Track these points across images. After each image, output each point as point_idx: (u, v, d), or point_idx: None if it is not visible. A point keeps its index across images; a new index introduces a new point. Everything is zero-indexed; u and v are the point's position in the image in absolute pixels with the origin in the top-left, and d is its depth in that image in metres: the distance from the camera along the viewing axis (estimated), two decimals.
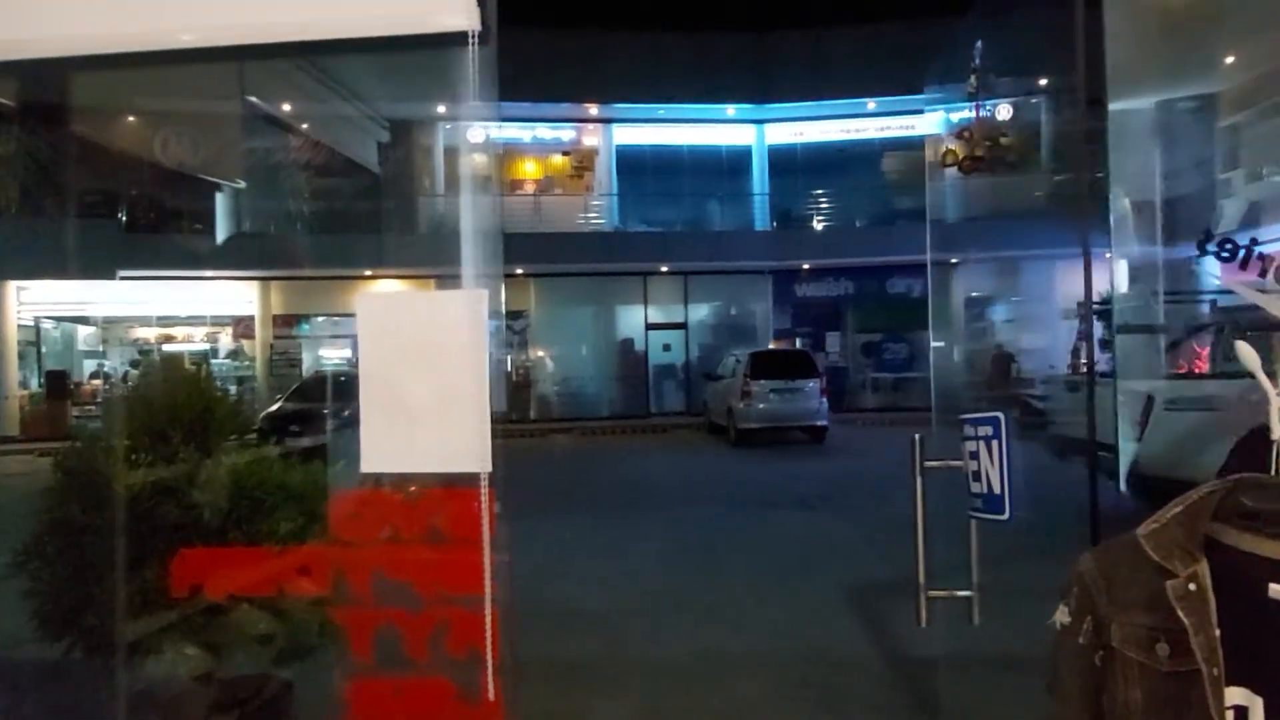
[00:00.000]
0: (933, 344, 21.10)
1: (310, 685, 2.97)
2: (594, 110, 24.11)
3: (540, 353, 22.94)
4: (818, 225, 24.90)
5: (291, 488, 2.51)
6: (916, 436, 2.72)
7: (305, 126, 19.47)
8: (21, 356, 20.22)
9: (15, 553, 2.90)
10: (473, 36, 1.51)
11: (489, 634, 1.57)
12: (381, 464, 1.63)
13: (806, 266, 23.08)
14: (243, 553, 2.02)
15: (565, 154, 24.87)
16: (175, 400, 3.06)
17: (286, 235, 19.65)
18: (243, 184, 19.15)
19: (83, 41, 1.59)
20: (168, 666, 2.31)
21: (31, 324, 20.54)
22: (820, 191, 25.00)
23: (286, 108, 18.47)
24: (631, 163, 24.62)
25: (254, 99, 15.97)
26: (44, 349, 20.81)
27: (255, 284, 21.30)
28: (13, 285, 19.69)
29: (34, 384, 19.94)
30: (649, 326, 23.50)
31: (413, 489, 1.72)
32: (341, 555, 1.75)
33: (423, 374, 1.61)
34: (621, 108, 24.02)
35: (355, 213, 21.07)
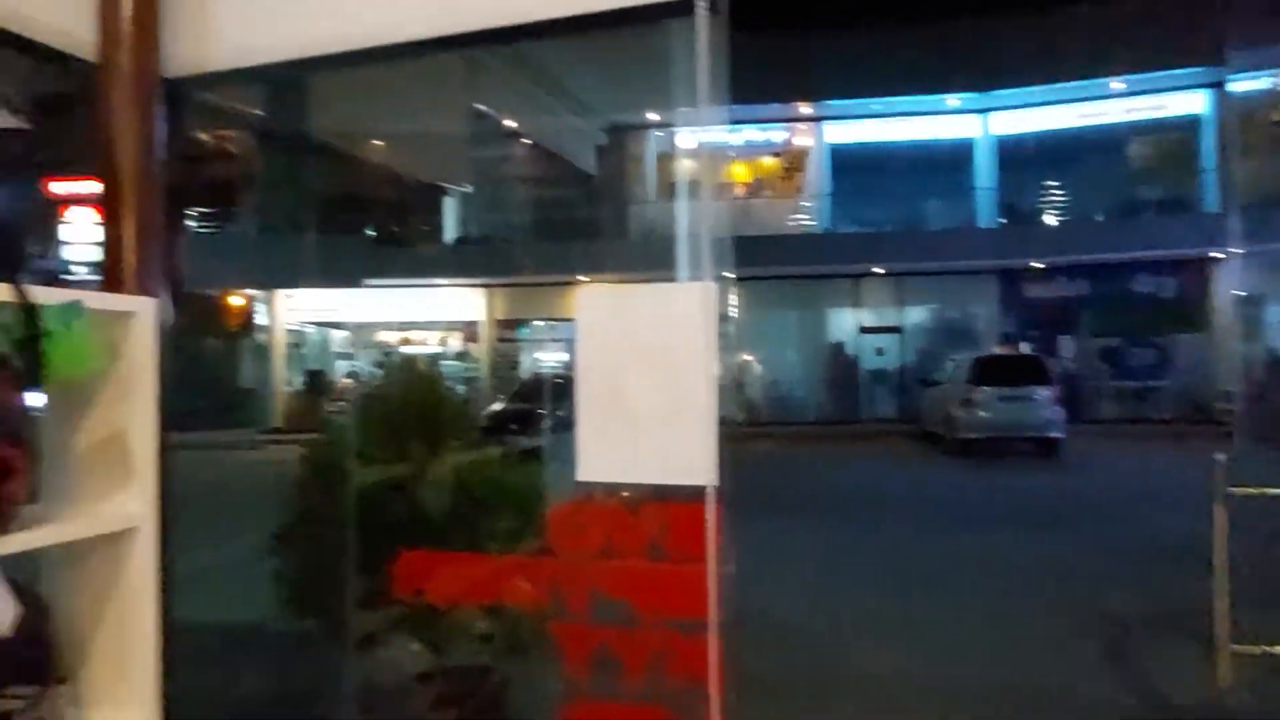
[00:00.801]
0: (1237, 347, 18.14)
1: (525, 680, 2.97)
2: (806, 109, 23.59)
3: (747, 356, 22.74)
4: (1050, 220, 22.89)
5: (509, 488, 2.52)
6: (1220, 457, 2.27)
7: (526, 133, 20.43)
8: (287, 357, 22.86)
9: (267, 537, 3.15)
10: (703, 3, 1.38)
11: (714, 664, 1.43)
12: (599, 473, 1.53)
13: (1036, 265, 21.26)
14: (462, 557, 2.02)
15: (775, 155, 24.53)
16: (409, 399, 3.21)
17: (510, 242, 20.78)
18: (470, 189, 20.39)
19: (320, 41, 1.62)
20: (393, 658, 2.38)
21: (296, 328, 23.19)
22: (1053, 183, 22.97)
23: (508, 119, 19.48)
24: (844, 161, 23.85)
25: (482, 106, 16.90)
26: (305, 350, 23.41)
27: (481, 290, 22.74)
28: (281, 294, 22.29)
29: (296, 382, 22.47)
30: (862, 330, 22.66)
31: (624, 495, 1.61)
32: (558, 566, 1.67)
33: (646, 376, 1.50)
34: (835, 105, 23.32)
35: (573, 219, 21.90)
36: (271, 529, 3.16)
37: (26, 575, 1.48)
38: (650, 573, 1.54)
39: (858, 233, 22.94)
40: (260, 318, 22.62)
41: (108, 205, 1.61)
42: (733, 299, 22.01)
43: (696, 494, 1.48)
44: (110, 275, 1.61)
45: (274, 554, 3.11)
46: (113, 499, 1.53)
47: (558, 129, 21.23)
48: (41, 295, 1.30)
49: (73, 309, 1.33)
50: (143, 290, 1.60)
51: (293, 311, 22.96)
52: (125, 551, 1.52)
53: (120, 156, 1.61)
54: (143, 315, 1.52)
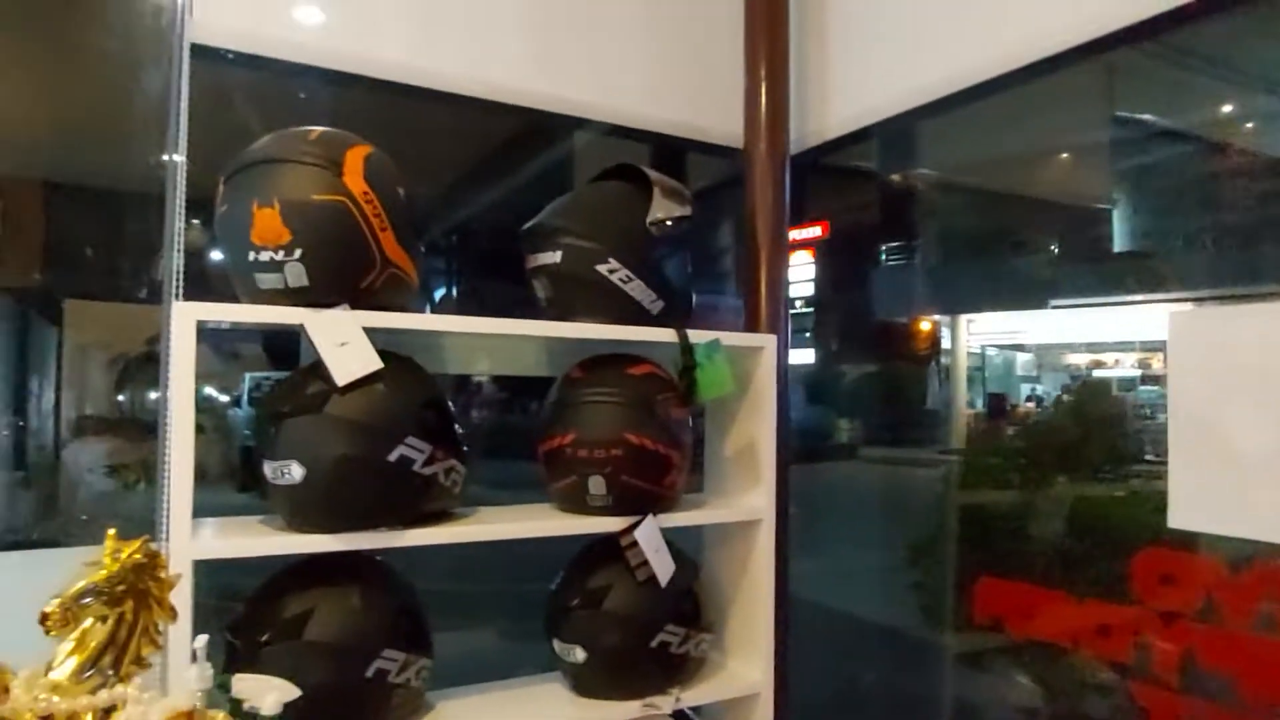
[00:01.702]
0: None
1: None
2: None
3: None
4: None
5: (1116, 526, 2.27)
6: None
7: (1188, 129, 17.01)
8: (969, 380, 23.29)
9: (910, 549, 3.39)
10: None
11: None
12: (1195, 520, 1.34)
13: None
14: (1039, 591, 1.92)
15: None
16: (1077, 425, 3.12)
17: (1196, 250, 17.52)
18: (1129, 198, 17.88)
19: (933, 86, 1.81)
20: (992, 684, 2.36)
21: (978, 351, 23.48)
22: None
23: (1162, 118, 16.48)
24: None
25: (1128, 113, 14.74)
26: (986, 374, 23.52)
27: (1172, 306, 19.69)
28: (964, 318, 22.84)
29: (978, 404, 22.72)
30: None
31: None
32: (1146, 619, 1.50)
33: (1255, 412, 1.27)
34: None
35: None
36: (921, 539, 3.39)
37: (689, 546, 1.97)
38: (1258, 647, 1.29)
39: None
40: (944, 342, 23.49)
41: (748, 263, 2.04)
42: None
43: None
44: (749, 317, 2.04)
45: (912, 565, 3.33)
46: (745, 495, 1.93)
47: (1233, 115, 17.15)
48: (693, 335, 1.75)
49: (713, 345, 1.76)
50: (769, 329, 1.98)
51: (975, 336, 23.27)
52: (753, 537, 1.91)
53: (757, 222, 2.03)
54: (768, 349, 1.90)
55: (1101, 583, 1.78)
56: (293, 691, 1.22)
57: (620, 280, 1.70)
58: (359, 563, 1.56)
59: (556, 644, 1.74)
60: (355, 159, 1.45)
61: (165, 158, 1.73)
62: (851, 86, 2.15)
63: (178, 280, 1.63)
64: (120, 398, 3.00)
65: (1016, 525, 2.53)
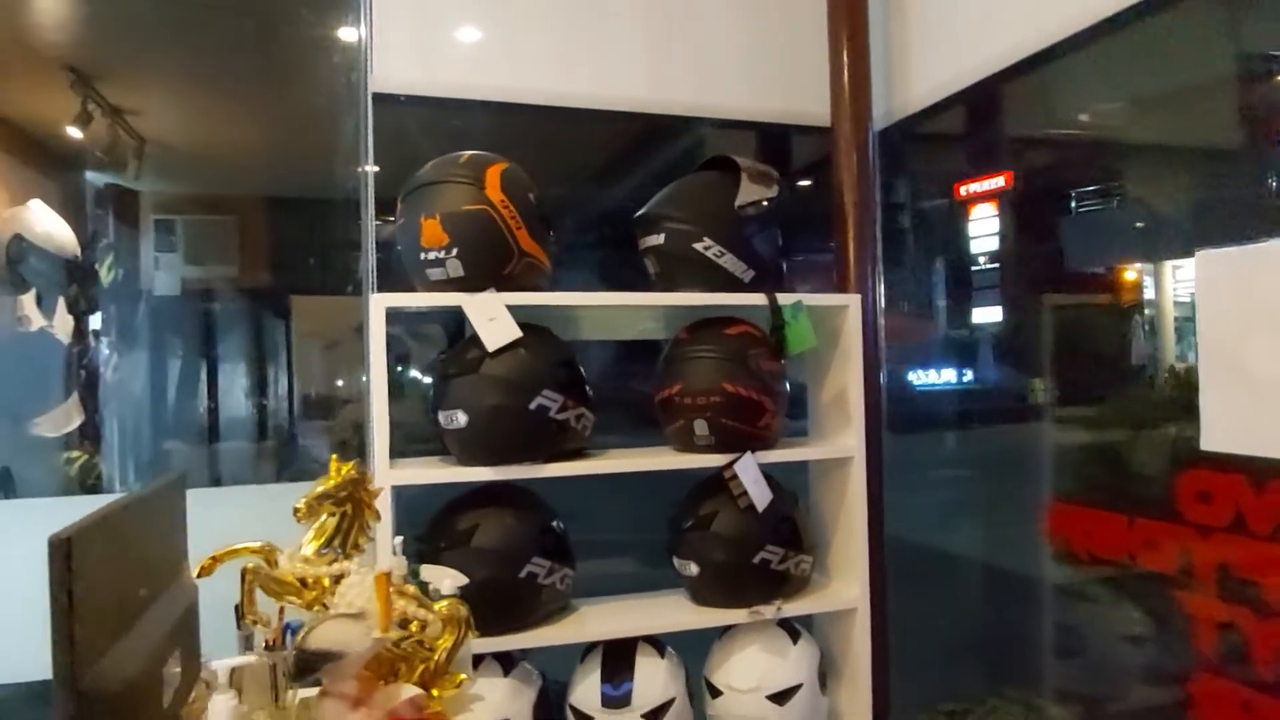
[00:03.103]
0: None
1: None
2: None
3: None
4: None
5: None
6: None
7: None
8: (1178, 333, 21.33)
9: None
10: None
11: None
12: (1223, 443, 1.48)
13: None
14: (1102, 514, 2.00)
15: None
16: None
17: None
18: None
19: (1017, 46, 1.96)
20: (1102, 614, 2.44)
21: (1186, 300, 21.42)
22: None
23: None
24: None
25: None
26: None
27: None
28: (1169, 265, 20.93)
29: (1190, 358, 20.75)
30: None
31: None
32: (1187, 534, 1.62)
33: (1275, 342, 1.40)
34: None
35: None
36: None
37: (798, 480, 2.26)
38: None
39: None
40: (1148, 291, 21.64)
41: (835, 229, 2.29)
42: None
43: None
44: (838, 278, 2.29)
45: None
46: (839, 436, 2.20)
47: None
48: (781, 298, 2.04)
49: (797, 306, 2.04)
50: (856, 289, 2.23)
51: (1183, 284, 21.29)
52: (845, 474, 2.17)
53: (844, 192, 2.27)
54: (853, 308, 2.15)
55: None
56: (462, 579, 1.63)
57: (714, 255, 2.01)
58: (513, 491, 1.99)
59: (675, 560, 2.10)
60: (494, 174, 1.86)
61: (360, 170, 2.23)
62: (937, 55, 2.33)
63: (373, 275, 2.12)
64: (338, 380, 3.63)
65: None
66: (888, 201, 2.54)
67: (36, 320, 2.99)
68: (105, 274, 3.31)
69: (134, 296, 3.67)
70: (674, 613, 2.08)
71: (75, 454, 3.03)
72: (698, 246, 2.01)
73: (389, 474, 1.83)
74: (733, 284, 2.04)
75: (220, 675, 0.98)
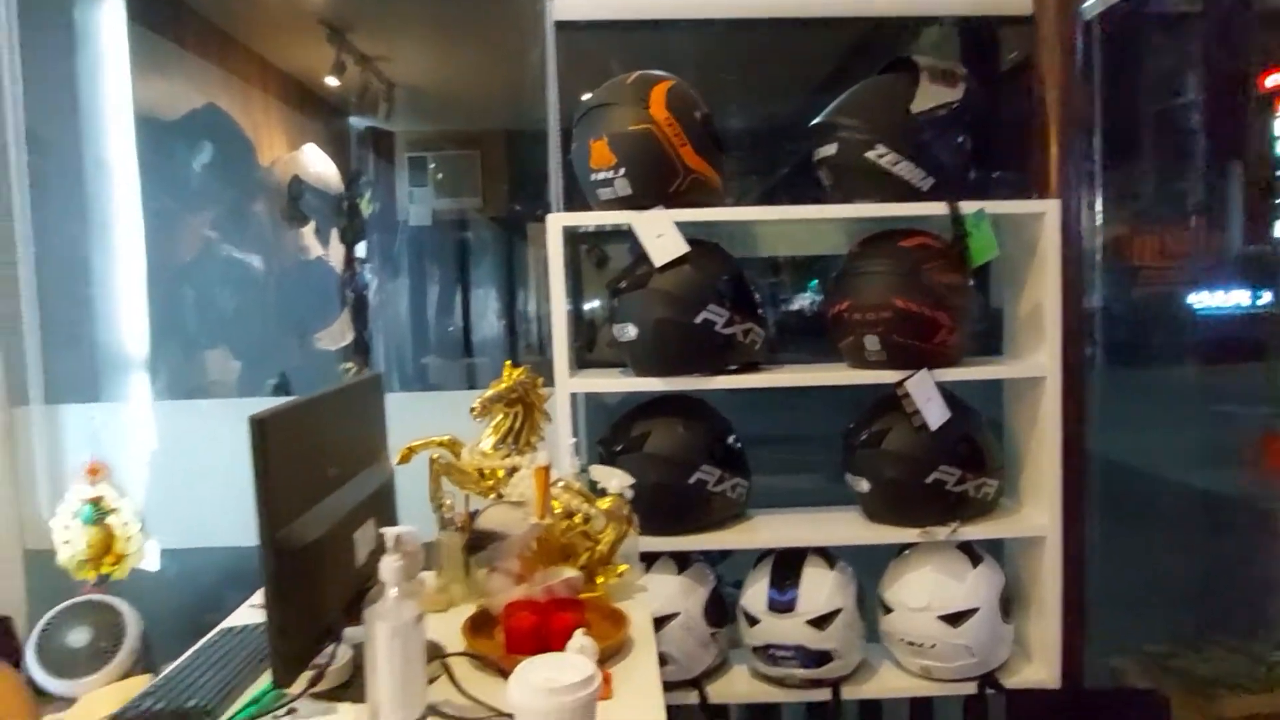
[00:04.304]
0: None
1: None
2: None
3: None
4: None
5: None
6: None
7: None
8: None
9: None
10: None
11: None
12: None
13: None
14: None
15: None
16: None
17: None
18: None
19: None
20: None
21: None
22: None
23: None
24: None
25: None
26: None
27: None
28: None
29: None
30: None
31: None
32: None
33: None
34: None
35: None
36: None
37: (989, 401, 2.15)
38: None
39: None
40: None
41: (1036, 130, 2.09)
42: None
43: None
44: (1037, 183, 2.10)
45: None
46: (1033, 355, 2.06)
47: None
48: (963, 207, 1.92)
49: (980, 214, 1.91)
50: (1057, 194, 2.03)
51: None
52: (1039, 395, 2.03)
53: (1046, 89, 2.06)
54: (1050, 215, 1.97)
55: None
56: (628, 480, 1.75)
57: (888, 164, 1.93)
58: (687, 402, 2.08)
59: (848, 476, 2.10)
60: (659, 94, 1.90)
61: (546, 95, 2.36)
62: None
63: (558, 197, 2.27)
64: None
65: None
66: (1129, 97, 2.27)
67: (315, 249, 3.50)
68: (366, 207, 3.77)
69: (392, 227, 4.14)
70: (845, 527, 2.09)
71: (349, 365, 3.54)
72: (870, 155, 1.93)
73: (567, 382, 1.99)
74: (910, 194, 1.95)
75: (403, 542, 1.15)
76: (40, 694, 2.13)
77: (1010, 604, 2.07)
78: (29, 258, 2.38)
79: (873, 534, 2.05)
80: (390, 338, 4.08)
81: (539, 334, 4.06)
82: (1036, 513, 2.07)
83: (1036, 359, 2.03)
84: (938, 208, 1.93)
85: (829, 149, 1.99)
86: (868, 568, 2.13)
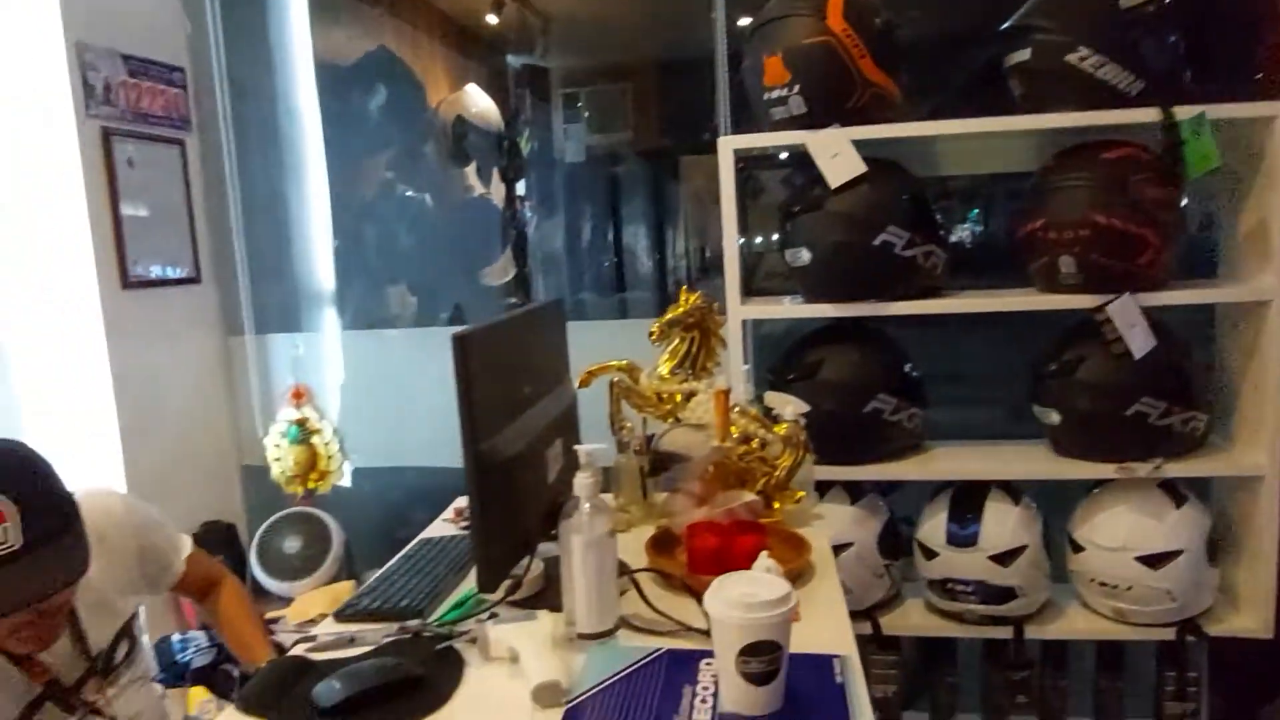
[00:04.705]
0: None
1: None
2: None
3: None
4: None
5: None
6: None
7: None
8: None
9: None
10: None
11: None
12: None
13: None
14: None
15: None
16: None
17: None
18: None
19: None
20: None
21: None
22: None
23: None
24: None
25: None
26: None
27: None
28: None
29: None
30: None
31: None
32: None
33: None
34: None
35: None
36: None
37: (1197, 329, 1.97)
38: None
39: None
40: None
41: (1263, 23, 1.84)
42: None
43: None
44: (1265, 84, 1.86)
45: None
46: (1255, 278, 1.85)
47: None
48: (1179, 112, 1.73)
49: (1199, 119, 1.72)
50: None
51: None
52: (1260, 321, 1.84)
53: None
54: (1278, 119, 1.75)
55: None
56: (803, 407, 1.73)
57: (1091, 67, 1.76)
58: (862, 329, 2.02)
59: (1035, 408, 1.98)
60: (836, 3, 1.80)
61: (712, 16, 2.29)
62: None
63: (726, 121, 2.22)
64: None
65: None
66: None
67: (478, 188, 3.60)
68: (524, 145, 3.84)
69: (549, 164, 4.21)
70: (1030, 461, 1.98)
71: (513, 300, 3.66)
72: (1071, 58, 1.77)
73: (739, 309, 1.97)
74: (1116, 99, 1.78)
75: (592, 458, 1.18)
76: (261, 594, 2.38)
77: (1217, 548, 1.92)
78: (236, 199, 2.57)
79: (1063, 469, 1.94)
80: (548, 274, 4.17)
81: (687, 269, 4.04)
82: (1252, 451, 1.89)
83: (1260, 281, 1.83)
84: (1149, 114, 1.75)
85: (1022, 54, 1.84)
86: (1049, 504, 2.02)
